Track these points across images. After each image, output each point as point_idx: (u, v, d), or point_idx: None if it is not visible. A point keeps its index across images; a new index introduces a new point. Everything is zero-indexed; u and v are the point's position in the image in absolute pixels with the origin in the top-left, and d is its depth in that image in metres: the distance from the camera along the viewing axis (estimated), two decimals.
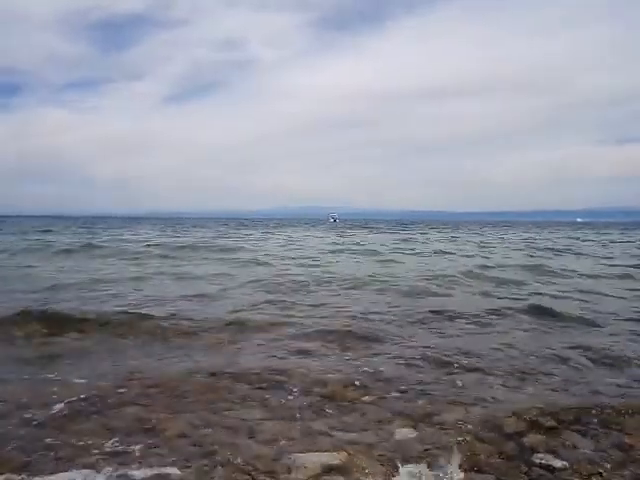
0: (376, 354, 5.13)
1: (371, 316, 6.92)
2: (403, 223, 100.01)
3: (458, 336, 6.02)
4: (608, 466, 2.81)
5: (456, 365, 4.73)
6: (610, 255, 20.42)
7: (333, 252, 19.68)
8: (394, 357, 4.99)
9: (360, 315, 6.97)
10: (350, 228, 58.72)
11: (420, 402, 3.78)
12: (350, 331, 5.98)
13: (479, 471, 2.76)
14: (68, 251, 17.84)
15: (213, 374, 4.33)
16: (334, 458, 2.76)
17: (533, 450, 2.99)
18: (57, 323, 6.02)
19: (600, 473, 2.74)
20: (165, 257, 16.55)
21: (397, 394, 3.94)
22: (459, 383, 4.24)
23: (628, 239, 36.21)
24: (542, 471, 2.77)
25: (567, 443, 3.08)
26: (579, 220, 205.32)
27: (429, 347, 5.33)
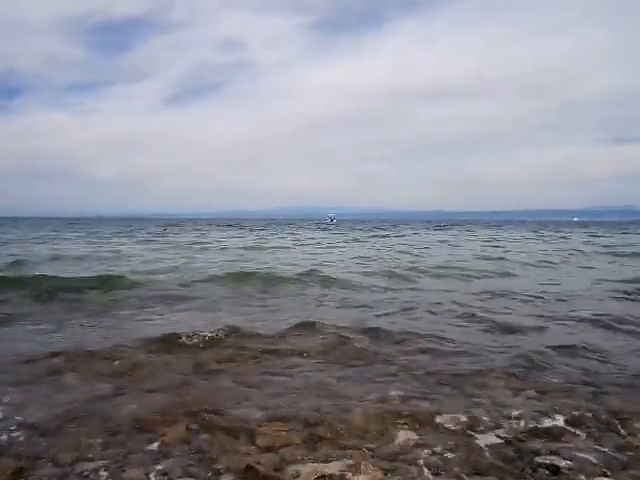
0: None
1: None
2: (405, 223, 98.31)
3: None
4: (613, 467, 2.79)
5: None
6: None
7: None
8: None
9: None
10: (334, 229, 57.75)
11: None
12: None
13: (482, 473, 2.74)
14: None
15: None
16: (334, 466, 2.71)
17: (536, 452, 2.96)
18: None
19: (605, 473, 2.72)
20: None
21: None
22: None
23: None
24: (546, 472, 2.74)
25: (570, 444, 3.05)
26: (575, 219, 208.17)
27: None
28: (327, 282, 10.78)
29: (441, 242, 28.37)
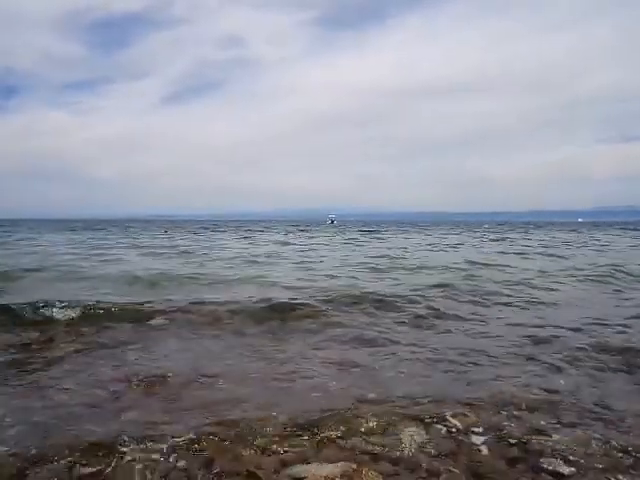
0: None
1: None
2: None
3: None
4: (618, 470, 2.76)
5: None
6: None
7: None
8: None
9: None
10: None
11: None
12: None
13: (484, 476, 2.72)
14: None
15: None
16: (337, 469, 2.70)
17: (540, 454, 2.94)
18: None
19: (608, 478, 2.69)
20: None
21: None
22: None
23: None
24: (549, 477, 2.72)
25: (575, 447, 3.03)
26: (580, 220, 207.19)
27: None
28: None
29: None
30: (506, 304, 8.23)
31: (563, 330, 6.10)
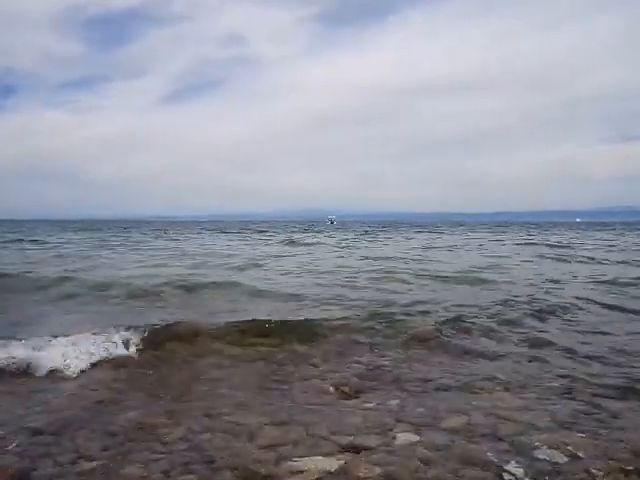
0: None
1: None
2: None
3: None
4: (611, 462, 2.78)
5: None
6: None
7: None
8: None
9: None
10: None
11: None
12: None
13: (481, 471, 2.73)
14: None
15: None
16: (333, 463, 2.72)
17: (535, 448, 2.95)
18: None
19: (601, 470, 2.71)
20: None
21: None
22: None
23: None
24: (546, 468, 2.73)
25: (569, 440, 3.05)
26: (578, 220, 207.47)
27: None
28: None
29: None
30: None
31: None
